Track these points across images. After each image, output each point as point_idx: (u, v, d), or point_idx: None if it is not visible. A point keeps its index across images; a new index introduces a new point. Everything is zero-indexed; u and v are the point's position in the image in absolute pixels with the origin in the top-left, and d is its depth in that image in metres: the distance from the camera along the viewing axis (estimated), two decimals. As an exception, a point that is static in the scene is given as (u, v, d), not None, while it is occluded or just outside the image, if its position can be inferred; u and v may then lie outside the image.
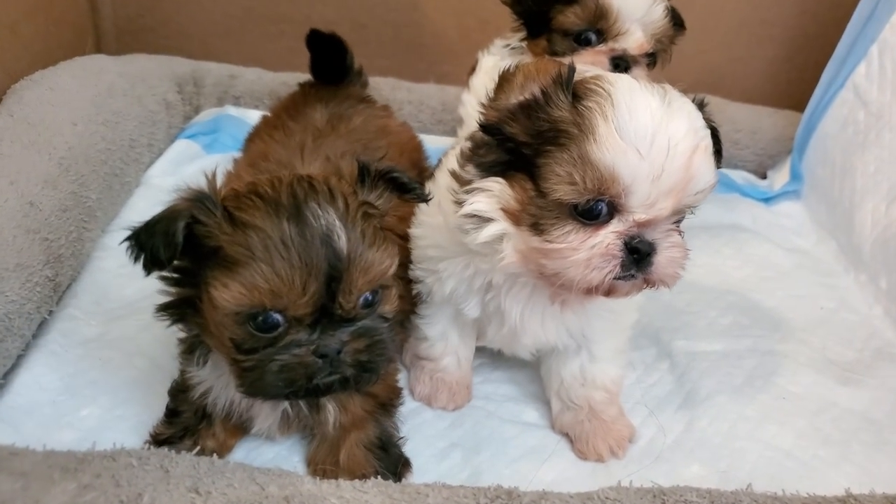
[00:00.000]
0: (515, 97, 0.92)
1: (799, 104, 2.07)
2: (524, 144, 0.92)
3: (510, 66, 0.95)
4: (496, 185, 0.95)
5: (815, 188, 1.96)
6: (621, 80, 0.91)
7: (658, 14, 1.44)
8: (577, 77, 0.93)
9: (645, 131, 0.86)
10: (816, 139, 1.96)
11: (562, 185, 0.89)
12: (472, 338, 1.27)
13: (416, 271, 1.17)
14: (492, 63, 1.56)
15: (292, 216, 0.84)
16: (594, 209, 0.90)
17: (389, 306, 0.95)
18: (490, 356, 1.37)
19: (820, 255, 1.83)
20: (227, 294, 0.83)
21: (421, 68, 2.06)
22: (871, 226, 1.71)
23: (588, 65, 1.31)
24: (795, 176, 2.01)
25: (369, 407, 1.09)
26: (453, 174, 1.01)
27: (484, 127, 0.95)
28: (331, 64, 1.59)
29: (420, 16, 2.11)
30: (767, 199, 2.01)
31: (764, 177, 2.12)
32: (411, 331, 1.29)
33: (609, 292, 0.95)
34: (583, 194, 0.88)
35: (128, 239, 0.86)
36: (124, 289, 1.42)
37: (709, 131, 0.93)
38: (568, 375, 1.21)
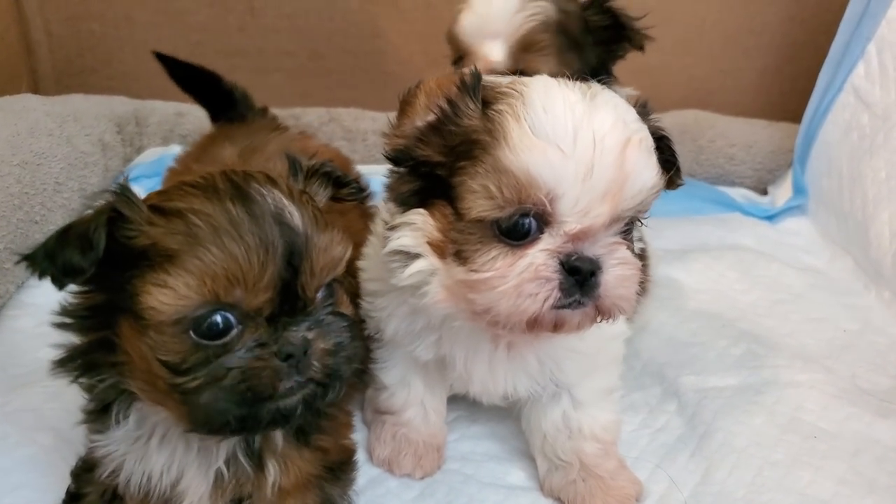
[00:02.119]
0: (421, 119, 0.84)
1: (795, 115, 1.94)
2: (438, 165, 0.82)
3: (408, 88, 0.86)
4: (418, 216, 0.84)
5: (822, 201, 1.80)
6: (537, 80, 0.83)
7: (518, 23, 1.27)
8: (492, 86, 0.84)
9: (565, 126, 0.76)
10: (818, 148, 1.82)
11: (478, 200, 0.78)
12: (441, 386, 1.09)
13: (363, 306, 1.02)
14: None
15: (235, 196, 0.74)
16: (520, 226, 0.79)
17: (345, 307, 0.84)
18: (467, 407, 1.18)
19: (835, 274, 1.66)
20: (167, 295, 0.70)
21: (387, 97, 1.91)
22: (889, 237, 1.55)
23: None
24: (799, 190, 1.86)
25: (316, 469, 0.90)
26: (384, 219, 0.92)
27: (392, 158, 0.86)
28: (207, 94, 1.52)
29: (383, 43, 1.99)
30: (771, 217, 1.86)
31: (765, 193, 1.98)
32: (369, 381, 1.10)
33: (556, 326, 0.82)
34: (503, 207, 0.78)
35: (27, 257, 0.73)
36: (38, 350, 1.23)
37: (643, 126, 0.82)
38: (550, 427, 1.02)
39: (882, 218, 1.58)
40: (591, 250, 0.79)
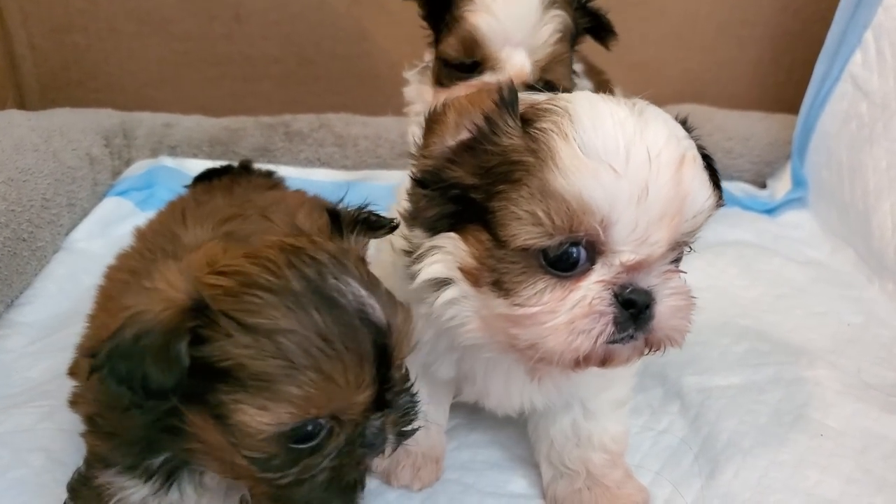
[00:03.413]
0: (452, 138, 0.77)
1: (791, 107, 1.91)
2: (472, 188, 0.76)
3: (437, 105, 0.80)
4: (448, 240, 0.79)
5: (822, 193, 1.77)
6: (580, 95, 0.77)
7: (546, 35, 1.22)
8: (528, 102, 0.78)
9: (616, 143, 0.70)
10: (817, 140, 1.79)
11: (523, 227, 0.72)
12: (445, 398, 1.06)
13: None
14: (412, 91, 1.41)
15: (319, 303, 0.68)
16: (569, 256, 0.73)
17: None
18: (466, 415, 1.16)
19: (837, 266, 1.64)
20: (268, 417, 0.67)
21: (379, 101, 1.90)
22: (892, 227, 1.52)
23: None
24: (798, 182, 1.83)
25: None
26: (403, 248, 0.86)
27: (420, 181, 0.79)
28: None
29: (371, 46, 1.96)
30: (770, 210, 1.83)
31: (763, 186, 1.94)
32: None
33: (605, 361, 0.77)
34: (552, 235, 0.71)
35: (98, 367, 0.65)
36: (29, 370, 1.22)
37: (692, 142, 0.77)
38: (559, 435, 0.99)
39: (884, 208, 1.55)
40: (645, 281, 0.74)
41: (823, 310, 1.45)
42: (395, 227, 0.84)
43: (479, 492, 1.04)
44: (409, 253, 0.83)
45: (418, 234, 0.82)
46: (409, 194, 0.83)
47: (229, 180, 1.41)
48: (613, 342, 0.74)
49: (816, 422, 1.13)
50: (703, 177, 0.74)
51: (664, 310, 0.75)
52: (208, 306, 0.67)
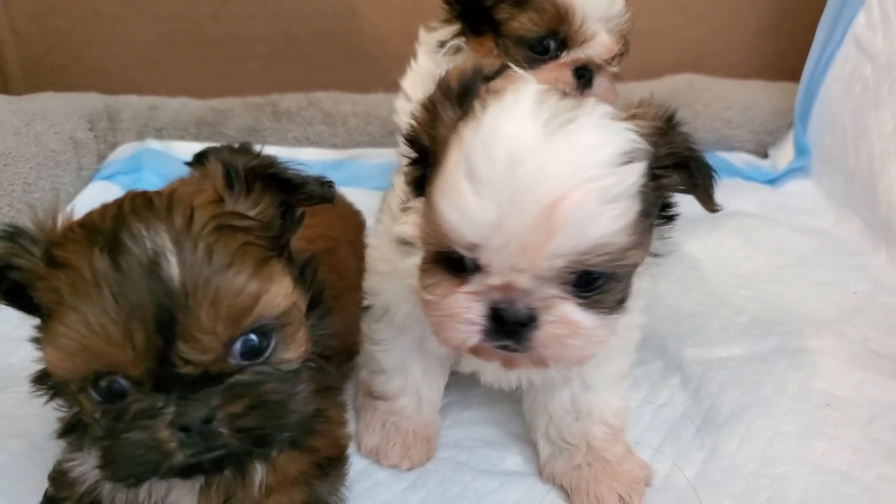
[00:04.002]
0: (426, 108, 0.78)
1: (793, 73, 1.86)
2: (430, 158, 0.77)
3: (444, 70, 0.79)
4: (418, 204, 0.80)
5: (826, 161, 1.72)
6: (517, 90, 0.72)
7: (619, 7, 1.19)
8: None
9: (497, 165, 0.66)
10: (819, 106, 1.74)
11: (422, 223, 0.76)
12: (439, 374, 1.03)
13: (369, 282, 0.98)
14: (424, 67, 1.34)
15: (107, 244, 0.63)
16: (458, 259, 0.73)
17: (293, 352, 0.71)
18: (459, 392, 1.12)
19: (842, 235, 1.59)
20: (50, 357, 0.66)
21: (368, 78, 1.86)
22: (899, 193, 1.47)
23: (551, 80, 1.10)
24: (801, 151, 1.78)
25: (304, 466, 0.84)
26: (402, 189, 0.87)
27: (406, 137, 0.79)
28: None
29: (361, 22, 1.92)
30: (773, 181, 1.78)
31: (765, 156, 1.89)
32: (364, 362, 1.04)
33: (505, 363, 0.79)
34: (429, 244, 0.75)
35: None
36: (11, 356, 1.19)
37: (616, 171, 0.68)
38: (558, 409, 0.96)
39: (890, 173, 1.49)
40: (523, 301, 0.71)
41: (828, 279, 1.41)
42: (327, 197, 0.76)
43: (472, 469, 1.01)
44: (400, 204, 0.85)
45: (406, 191, 0.82)
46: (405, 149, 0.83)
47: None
48: (492, 345, 0.75)
49: (822, 392, 1.09)
50: (599, 215, 0.67)
51: (541, 336, 0.73)
52: (27, 236, 0.67)
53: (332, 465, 0.88)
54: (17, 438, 1.02)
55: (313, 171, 0.77)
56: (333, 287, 1.05)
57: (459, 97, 0.74)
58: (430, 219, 0.72)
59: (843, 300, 1.34)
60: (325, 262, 1.06)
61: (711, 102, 1.85)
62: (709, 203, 0.78)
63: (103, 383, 0.65)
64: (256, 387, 0.67)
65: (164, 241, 0.63)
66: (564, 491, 0.97)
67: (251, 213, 0.71)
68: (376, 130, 1.76)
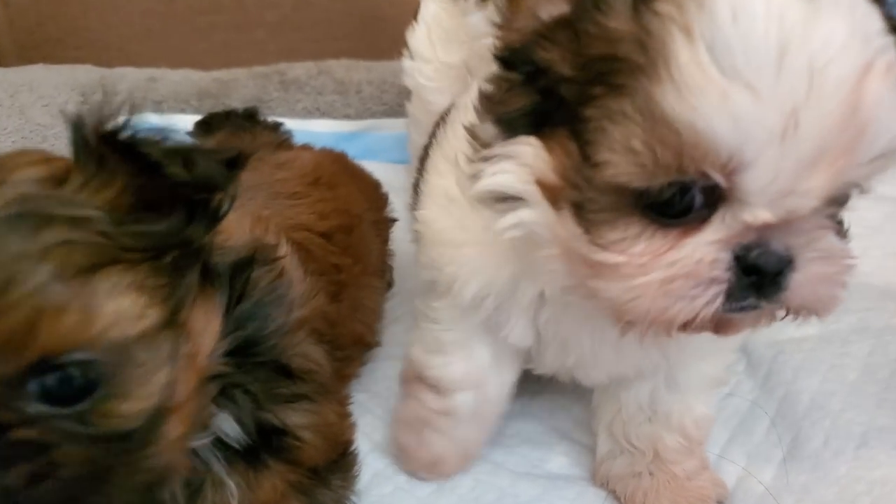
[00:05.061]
0: (545, 9, 0.57)
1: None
2: (566, 81, 0.56)
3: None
4: (527, 147, 0.59)
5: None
6: None
7: None
8: None
9: (765, 46, 0.48)
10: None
11: (614, 157, 0.53)
12: (510, 369, 0.83)
13: (428, 255, 0.78)
14: (434, 10, 1.20)
15: None
16: (679, 199, 0.54)
17: (137, 403, 0.50)
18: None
19: (915, 201, 1.41)
20: None
21: (384, 44, 1.70)
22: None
23: None
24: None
25: (296, 476, 0.70)
26: (470, 132, 0.66)
27: (503, 59, 0.60)
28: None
29: (374, -17, 1.77)
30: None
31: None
32: (417, 338, 0.85)
33: (719, 328, 0.59)
34: (652, 176, 0.52)
35: None
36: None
37: (891, 41, 0.53)
38: (631, 403, 0.80)
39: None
40: (782, 240, 0.54)
41: (905, 249, 1.25)
42: (219, 183, 0.55)
43: (510, 472, 0.87)
44: (475, 141, 0.65)
45: (490, 131, 0.63)
46: (489, 78, 0.64)
47: (233, 136, 1.26)
48: (730, 311, 0.56)
49: (919, 377, 0.94)
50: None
51: (803, 279, 0.55)
52: None
53: (334, 468, 0.75)
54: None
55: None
56: (347, 271, 0.92)
57: None
58: (631, 148, 0.52)
59: (924, 272, 1.18)
60: (338, 242, 0.93)
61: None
62: None
63: None
64: (45, 450, 0.47)
65: None
66: (618, 499, 0.82)
67: (96, 199, 0.51)
68: (392, 99, 1.61)
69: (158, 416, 0.51)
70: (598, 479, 0.84)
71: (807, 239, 0.55)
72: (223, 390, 0.61)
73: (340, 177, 1.08)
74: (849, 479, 0.81)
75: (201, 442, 0.61)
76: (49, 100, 1.46)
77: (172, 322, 0.52)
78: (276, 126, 1.34)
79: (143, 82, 1.62)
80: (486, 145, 0.63)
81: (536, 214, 0.60)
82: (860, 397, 0.92)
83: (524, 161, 0.59)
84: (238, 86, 1.62)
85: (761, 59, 0.48)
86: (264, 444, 0.64)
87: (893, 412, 0.89)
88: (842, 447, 0.85)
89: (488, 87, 0.63)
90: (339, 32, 1.81)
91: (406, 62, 1.25)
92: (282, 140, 1.31)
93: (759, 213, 0.52)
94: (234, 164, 0.56)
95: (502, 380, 0.83)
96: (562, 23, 0.56)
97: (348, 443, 0.79)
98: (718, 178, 0.51)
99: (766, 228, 0.54)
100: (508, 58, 0.59)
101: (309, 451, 0.68)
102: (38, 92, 1.45)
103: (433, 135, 0.86)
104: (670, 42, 0.49)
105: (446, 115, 0.85)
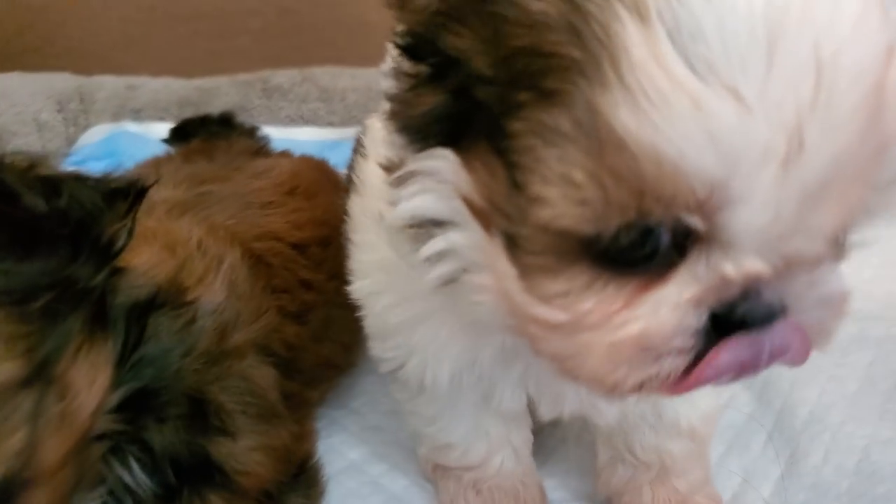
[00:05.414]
0: None
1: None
2: (481, 81, 0.42)
3: None
4: (441, 161, 0.46)
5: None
6: None
7: None
8: None
9: (749, 27, 0.35)
10: None
11: (555, 193, 0.39)
12: (520, 425, 0.77)
13: (374, 350, 0.68)
14: None
15: None
16: (641, 243, 0.41)
17: None
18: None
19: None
20: None
21: (369, 50, 1.67)
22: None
23: None
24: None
25: (247, 500, 0.65)
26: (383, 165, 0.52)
27: (406, 47, 0.46)
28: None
29: (360, -11, 1.75)
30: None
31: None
32: (416, 439, 0.80)
33: (676, 391, 0.46)
34: (605, 217, 0.39)
35: None
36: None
37: None
38: (633, 412, 0.71)
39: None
40: (777, 288, 0.42)
41: (904, 258, 1.21)
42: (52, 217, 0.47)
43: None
44: (387, 167, 0.51)
45: (400, 145, 0.48)
46: (394, 73, 0.49)
47: (208, 144, 1.22)
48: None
49: (922, 388, 0.90)
50: None
51: (796, 326, 0.44)
52: None
53: (294, 486, 0.71)
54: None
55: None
56: (318, 289, 0.86)
57: None
58: (572, 182, 0.39)
59: (924, 280, 1.14)
60: (312, 255, 0.88)
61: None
62: None
63: None
64: None
65: None
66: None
67: None
68: (377, 107, 1.58)
69: (10, 487, 0.43)
70: (601, 486, 0.78)
71: (808, 281, 0.43)
72: (115, 448, 0.54)
73: (320, 186, 1.04)
74: (852, 495, 0.77)
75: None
76: (22, 108, 1.44)
77: (39, 377, 0.45)
78: (253, 131, 1.31)
79: (122, 90, 1.60)
80: (397, 165, 0.49)
81: (467, 237, 0.47)
82: (861, 409, 0.88)
83: (443, 177, 0.46)
84: (220, 94, 1.59)
85: (746, 48, 0.35)
86: (203, 478, 0.59)
87: (896, 424, 0.85)
88: (842, 462, 0.81)
89: (390, 84, 0.49)
90: (325, 39, 1.79)
91: (385, 65, 1.22)
92: (259, 146, 1.28)
93: (749, 264, 0.40)
94: (126, 194, 0.49)
95: (522, 425, 0.76)
96: (471, 0, 0.42)
97: (306, 458, 0.74)
98: (694, 222, 0.38)
99: (755, 279, 0.41)
100: (411, 46, 0.45)
101: (253, 477, 0.62)
102: (11, 99, 1.43)
103: (347, 180, 0.72)
104: (617, 28, 0.36)
105: (359, 146, 0.70)
